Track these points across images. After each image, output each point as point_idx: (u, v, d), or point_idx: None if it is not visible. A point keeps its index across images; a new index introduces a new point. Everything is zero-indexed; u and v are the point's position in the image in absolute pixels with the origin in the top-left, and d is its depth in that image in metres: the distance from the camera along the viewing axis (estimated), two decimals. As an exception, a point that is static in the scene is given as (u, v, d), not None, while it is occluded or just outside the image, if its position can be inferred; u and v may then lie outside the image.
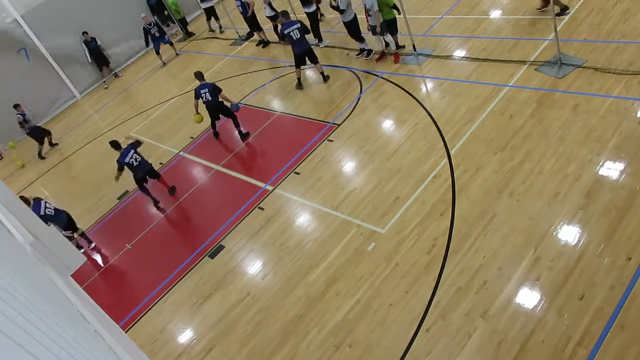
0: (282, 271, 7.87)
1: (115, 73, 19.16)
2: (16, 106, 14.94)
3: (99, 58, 18.56)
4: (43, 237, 2.76)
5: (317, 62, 11.84)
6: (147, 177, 10.44)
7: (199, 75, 11.03)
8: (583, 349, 5.34)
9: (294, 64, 12.29)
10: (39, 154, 15.48)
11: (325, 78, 12.09)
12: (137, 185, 10.57)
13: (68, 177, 13.84)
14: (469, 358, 5.73)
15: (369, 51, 12.14)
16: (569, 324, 5.60)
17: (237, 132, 11.34)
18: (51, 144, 15.85)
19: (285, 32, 11.38)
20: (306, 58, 11.77)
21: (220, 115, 11.43)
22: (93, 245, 10.38)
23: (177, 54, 18.27)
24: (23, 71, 17.30)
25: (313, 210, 8.73)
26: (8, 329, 1.20)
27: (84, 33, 17.97)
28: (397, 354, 6.06)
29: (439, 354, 5.89)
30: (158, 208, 10.58)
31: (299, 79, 12.27)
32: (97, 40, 18.27)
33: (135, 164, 10.04)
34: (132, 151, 10.01)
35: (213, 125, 11.70)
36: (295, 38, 11.38)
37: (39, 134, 15.44)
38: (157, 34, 17.61)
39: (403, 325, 6.35)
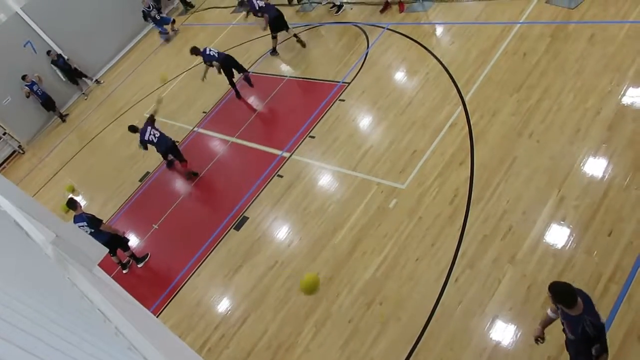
0: (307, 236, 7.94)
1: (97, 80, 18.28)
2: (24, 77, 15.97)
3: (71, 74, 17.62)
4: (64, 233, 2.81)
5: (289, 27, 11.94)
6: (170, 154, 10.47)
7: (194, 50, 11.57)
8: (615, 285, 5.31)
9: (295, 26, 12.19)
10: (61, 117, 17.08)
11: (303, 43, 12.19)
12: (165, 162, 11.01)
13: (88, 165, 14.03)
14: (499, 304, 5.76)
15: (339, 7, 12.47)
16: (598, 261, 5.55)
17: (243, 77, 11.81)
18: (62, 117, 17.18)
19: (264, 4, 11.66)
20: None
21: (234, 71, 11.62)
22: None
23: (171, 31, 17.93)
24: (31, 64, 17.30)
25: (332, 173, 8.72)
26: (18, 339, 1.22)
27: (48, 52, 17.20)
28: (429, 306, 6.13)
29: (470, 302, 5.93)
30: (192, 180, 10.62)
31: (274, 48, 12.56)
32: (64, 55, 17.48)
33: (155, 140, 10.06)
34: (150, 128, 10.04)
35: (232, 83, 11.79)
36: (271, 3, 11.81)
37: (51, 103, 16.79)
38: (157, 17, 17.55)
39: (432, 277, 6.39)
